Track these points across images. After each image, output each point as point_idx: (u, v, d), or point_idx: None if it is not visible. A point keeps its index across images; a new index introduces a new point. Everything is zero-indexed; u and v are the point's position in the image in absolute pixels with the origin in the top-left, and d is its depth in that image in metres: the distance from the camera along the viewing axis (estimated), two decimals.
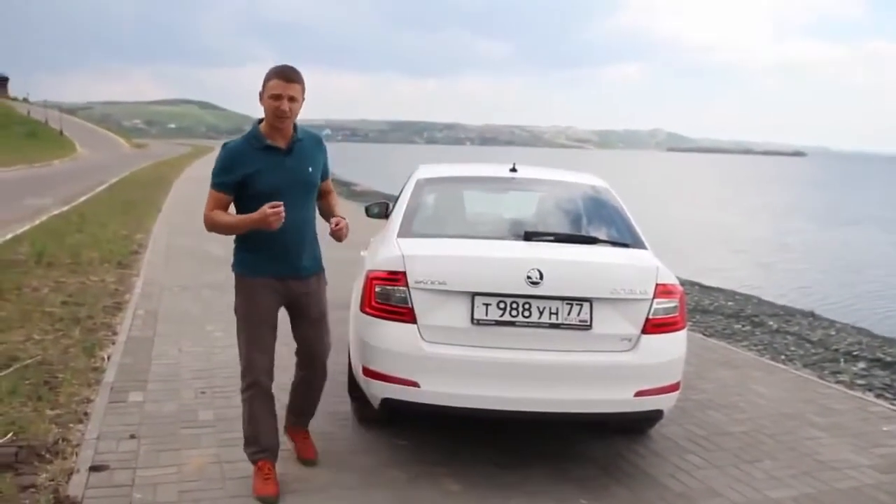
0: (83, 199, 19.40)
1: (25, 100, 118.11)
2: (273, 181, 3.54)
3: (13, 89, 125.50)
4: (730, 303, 11.05)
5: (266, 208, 3.40)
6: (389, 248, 4.06)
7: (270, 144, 3.58)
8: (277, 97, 3.48)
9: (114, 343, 6.16)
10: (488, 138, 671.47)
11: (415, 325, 3.78)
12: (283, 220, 3.43)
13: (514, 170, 4.83)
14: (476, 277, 3.79)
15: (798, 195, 51.27)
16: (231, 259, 3.79)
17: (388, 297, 3.82)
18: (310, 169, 3.69)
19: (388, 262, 3.89)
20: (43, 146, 58.96)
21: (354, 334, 4.14)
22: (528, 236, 4.11)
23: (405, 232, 4.22)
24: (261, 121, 3.63)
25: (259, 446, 3.76)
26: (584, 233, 4.45)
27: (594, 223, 4.59)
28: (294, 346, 3.96)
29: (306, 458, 4.08)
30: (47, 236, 11.72)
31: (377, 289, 3.85)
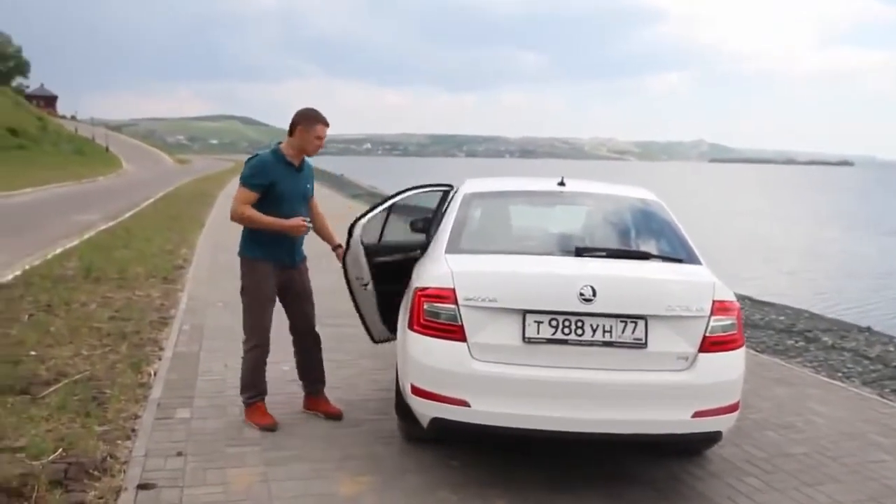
0: (129, 214, 19.72)
1: (73, 117, 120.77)
2: (289, 190, 4.63)
3: (62, 107, 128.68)
4: (781, 317, 10.76)
5: (300, 220, 4.59)
6: (438, 264, 3.99)
7: (290, 161, 4.67)
8: (320, 138, 4.67)
9: (160, 359, 6.18)
10: (528, 151, 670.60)
11: (465, 343, 3.70)
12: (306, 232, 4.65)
13: (562, 183, 4.74)
14: (527, 294, 3.70)
15: (844, 205, 50.25)
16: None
17: (437, 315, 3.75)
18: (308, 185, 4.84)
19: (436, 279, 3.83)
20: (90, 162, 60.18)
21: (402, 352, 4.06)
22: (580, 252, 4.01)
23: (453, 248, 4.14)
24: (279, 143, 4.72)
25: (257, 390, 4.79)
26: (636, 248, 4.34)
27: (647, 238, 4.47)
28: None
29: (334, 414, 4.94)
30: (95, 252, 11.90)
31: (426, 306, 3.78)
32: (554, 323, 3.67)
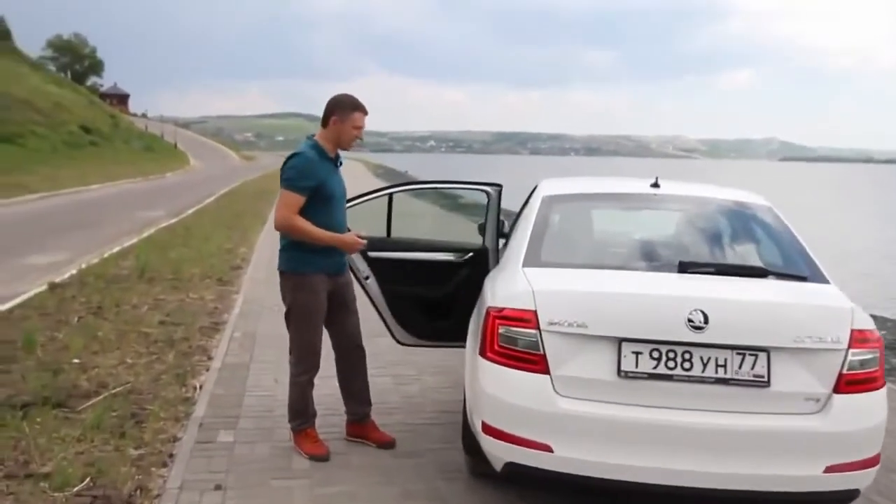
0: (191, 211, 19.64)
1: (144, 115, 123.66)
2: (334, 189, 4.10)
3: (133, 105, 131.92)
4: (882, 331, 9.80)
5: (356, 237, 4.10)
6: (515, 280, 3.40)
7: (331, 157, 4.13)
8: (358, 128, 4.11)
9: (207, 370, 5.74)
10: (593, 148, 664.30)
11: (548, 377, 3.10)
12: (361, 245, 4.15)
13: (656, 185, 4.09)
14: (624, 319, 3.09)
15: None
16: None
17: (515, 341, 3.16)
18: (344, 182, 4.29)
19: (514, 299, 3.23)
20: (159, 159, 61.31)
21: (472, 381, 3.46)
22: (684, 267, 3.36)
23: (532, 260, 3.54)
24: (312, 135, 4.15)
25: (307, 417, 4.25)
26: (751, 263, 3.67)
27: (761, 251, 3.79)
28: None
29: (387, 443, 4.37)
30: (152, 250, 11.64)
31: (501, 330, 3.19)
32: (656, 354, 3.04)
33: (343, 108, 4.07)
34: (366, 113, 4.11)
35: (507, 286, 3.40)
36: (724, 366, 3.03)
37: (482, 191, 4.96)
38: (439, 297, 4.90)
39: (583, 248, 3.99)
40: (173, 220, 16.83)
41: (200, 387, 5.32)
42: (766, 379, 3.02)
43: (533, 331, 3.11)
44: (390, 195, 4.82)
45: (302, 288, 4.12)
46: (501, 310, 3.22)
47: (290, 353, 4.25)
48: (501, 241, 5.31)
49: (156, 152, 68.73)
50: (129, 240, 13.10)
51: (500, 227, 5.05)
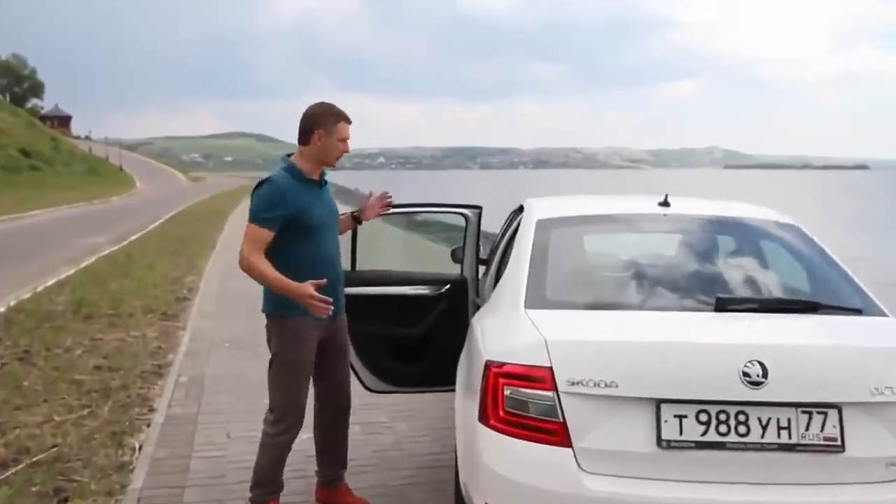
0: (135, 237, 18.62)
1: (88, 137, 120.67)
2: (319, 216, 3.50)
3: (77, 128, 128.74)
4: None
5: (311, 289, 3.26)
6: (518, 326, 2.75)
7: (311, 178, 3.52)
8: (345, 139, 3.52)
9: (148, 425, 5.00)
10: (542, 161, 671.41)
11: (569, 450, 2.47)
12: (327, 314, 3.32)
13: (665, 203, 3.52)
14: (663, 374, 2.48)
15: (864, 208, 48.57)
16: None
17: (526, 406, 2.52)
18: (334, 205, 3.72)
19: (521, 351, 2.59)
20: (103, 182, 59.59)
21: (471, 453, 2.78)
22: (722, 304, 2.76)
23: (536, 299, 2.90)
24: (289, 155, 3.57)
25: (275, 486, 3.63)
26: (798, 296, 3.09)
27: (800, 279, 3.21)
28: None
29: None
30: (90, 282, 10.78)
31: (507, 392, 2.55)
32: (704, 417, 2.44)
33: (326, 121, 3.47)
34: (350, 122, 3.53)
35: (510, 334, 2.76)
36: (788, 428, 2.44)
37: (460, 213, 4.36)
38: (413, 337, 4.29)
39: (594, 282, 3.33)
40: (115, 248, 15.86)
41: (140, 448, 4.58)
42: (839, 442, 2.44)
43: (549, 393, 2.48)
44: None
45: (288, 334, 3.50)
46: (503, 365, 2.59)
47: (270, 409, 3.58)
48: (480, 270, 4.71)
49: (100, 175, 66.91)
50: (66, 270, 12.17)
51: (478, 254, 4.46)
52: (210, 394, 5.66)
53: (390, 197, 3.99)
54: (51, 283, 10.81)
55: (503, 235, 4.52)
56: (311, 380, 3.66)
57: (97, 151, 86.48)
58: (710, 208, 3.71)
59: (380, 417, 5.09)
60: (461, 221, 4.60)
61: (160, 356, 6.84)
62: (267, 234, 3.37)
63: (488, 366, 2.63)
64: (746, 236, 3.53)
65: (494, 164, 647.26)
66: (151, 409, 5.34)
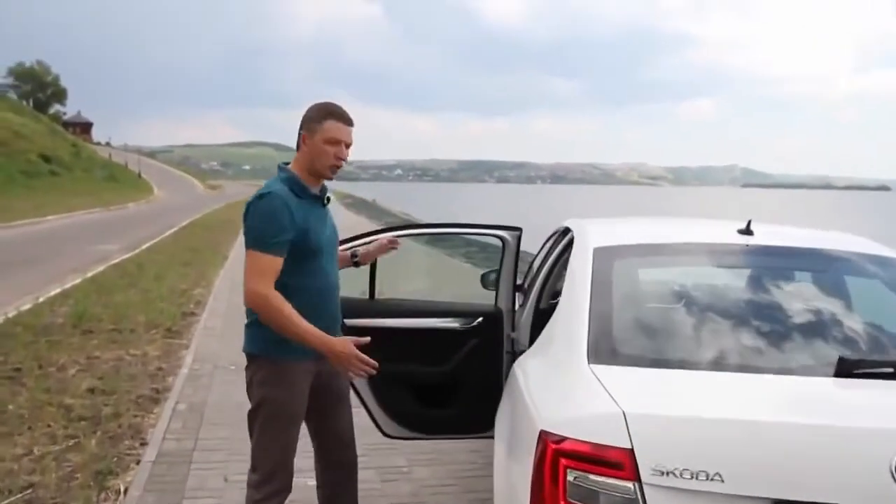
0: (148, 245, 18.19)
1: (108, 144, 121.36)
2: (322, 237, 2.92)
3: (97, 134, 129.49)
4: None
5: (354, 347, 2.73)
6: (584, 389, 2.17)
7: (314, 193, 2.93)
8: (336, 142, 2.86)
9: (138, 462, 4.47)
10: (559, 176, 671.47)
11: None
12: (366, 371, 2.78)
13: (747, 231, 2.94)
14: (784, 466, 1.89)
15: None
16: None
17: (596, 499, 1.94)
18: (336, 224, 3.12)
19: (592, 426, 2.00)
20: (121, 189, 59.61)
21: None
22: (848, 368, 2.16)
23: (603, 352, 2.31)
24: (287, 163, 2.98)
25: None
26: None
27: None
28: None
29: None
30: (95, 292, 10.30)
31: (570, 477, 1.97)
32: None
33: (311, 119, 2.87)
34: (346, 122, 2.88)
35: (572, 398, 2.18)
36: None
37: (496, 236, 3.81)
38: (440, 378, 3.74)
39: (675, 331, 2.59)
40: (127, 256, 15.42)
41: (124, 492, 4.05)
42: None
43: (628, 483, 1.91)
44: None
45: (276, 381, 2.88)
46: (563, 440, 2.00)
47: (252, 469, 2.96)
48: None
49: (118, 182, 67.05)
50: (73, 279, 11.73)
51: (515, 281, 3.91)
52: (209, 426, 5.12)
53: (398, 243, 3.46)
54: (54, 292, 10.35)
55: (544, 261, 3.97)
56: (307, 429, 3.11)
57: (117, 158, 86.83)
58: (805, 238, 3.11)
59: (397, 461, 4.53)
60: (490, 240, 4.07)
61: (159, 379, 6.31)
62: (275, 263, 2.74)
63: (544, 438, 2.05)
64: (858, 275, 2.92)
65: (511, 177, 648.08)
66: (143, 443, 4.81)
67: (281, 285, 2.78)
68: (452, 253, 18.14)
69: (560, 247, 3.78)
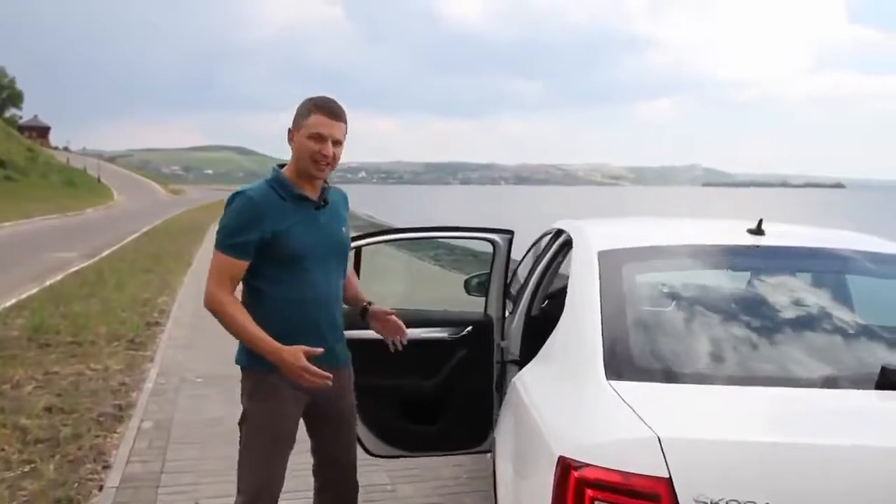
0: (108, 251, 17.66)
1: (66, 148, 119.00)
2: (306, 240, 2.69)
3: (55, 139, 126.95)
4: None
5: (304, 359, 2.50)
6: (607, 408, 1.95)
7: (302, 194, 2.71)
8: (319, 138, 2.65)
9: (100, 489, 4.15)
10: (524, 177, 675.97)
11: None
12: (316, 385, 2.54)
13: (758, 231, 2.74)
14: (841, 493, 1.70)
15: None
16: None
17: None
18: (343, 229, 2.85)
19: (621, 451, 1.77)
20: (80, 194, 58.38)
21: None
22: (891, 379, 1.97)
23: (623, 368, 2.08)
24: (282, 165, 2.80)
25: None
26: None
27: None
28: None
29: None
30: (53, 303, 9.86)
31: None
32: None
33: (298, 114, 2.68)
34: (332, 116, 2.64)
35: (593, 419, 1.95)
36: None
37: (486, 239, 3.59)
38: (428, 392, 3.51)
39: (699, 343, 2.33)
40: (87, 263, 14.92)
41: None
42: None
43: None
44: (358, 248, 3.39)
45: (260, 394, 2.70)
46: (585, 467, 1.77)
47: (238, 490, 2.73)
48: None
49: (77, 187, 65.66)
50: (30, 289, 11.26)
51: (508, 287, 3.68)
52: (177, 445, 4.81)
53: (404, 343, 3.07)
54: (9, 303, 9.89)
55: (535, 265, 3.74)
56: (311, 450, 2.90)
57: (75, 163, 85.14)
58: (818, 238, 2.93)
59: (380, 478, 4.27)
60: (459, 243, 3.83)
61: (122, 394, 5.96)
62: (235, 265, 2.61)
63: (564, 464, 1.82)
64: (882, 277, 2.73)
65: (476, 179, 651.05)
66: (106, 466, 4.49)
67: (256, 291, 2.67)
68: (422, 256, 17.88)
69: (552, 250, 3.56)
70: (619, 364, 2.08)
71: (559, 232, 3.55)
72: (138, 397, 5.88)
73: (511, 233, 3.56)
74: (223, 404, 5.47)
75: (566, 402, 2.13)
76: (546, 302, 3.75)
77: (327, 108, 2.64)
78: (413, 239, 3.65)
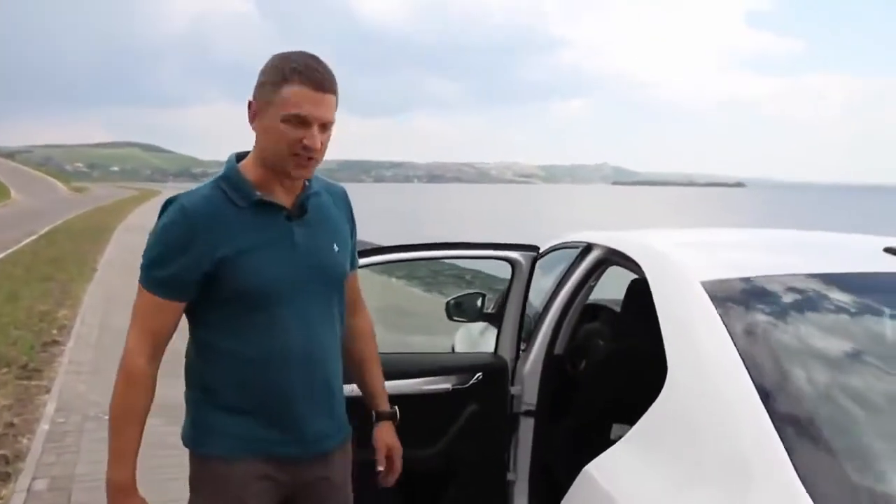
0: (1, 256, 16.02)
1: None
2: (273, 270, 1.77)
3: None
4: None
5: None
6: None
7: (267, 199, 1.79)
8: (301, 121, 1.72)
9: None
10: (436, 175, 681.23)
11: None
12: None
13: (893, 250, 2.00)
14: None
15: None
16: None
17: None
18: (335, 246, 1.90)
19: None
20: None
21: None
22: None
23: (819, 461, 1.31)
24: (241, 157, 1.86)
25: None
26: None
27: None
28: None
29: None
30: None
31: None
32: None
33: (263, 82, 1.77)
34: (318, 87, 1.74)
35: None
36: None
37: (505, 258, 2.74)
38: (427, 464, 2.65)
39: (878, 417, 1.56)
40: None
41: None
42: None
43: None
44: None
45: (208, 487, 1.87)
46: None
47: None
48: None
49: None
50: None
51: (523, 319, 2.85)
52: None
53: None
54: None
55: (556, 291, 2.89)
56: None
57: None
58: None
59: None
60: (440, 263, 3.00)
61: (9, 441, 4.85)
62: (165, 308, 1.78)
63: None
64: None
65: (388, 177, 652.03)
66: None
67: (203, 346, 1.86)
68: (392, 274, 15.92)
69: (581, 270, 2.76)
70: (812, 457, 1.28)
71: (588, 247, 2.75)
72: (30, 445, 4.79)
73: (536, 249, 2.73)
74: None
75: None
76: (574, 338, 2.95)
77: (312, 76, 1.74)
78: (418, 259, 2.80)
